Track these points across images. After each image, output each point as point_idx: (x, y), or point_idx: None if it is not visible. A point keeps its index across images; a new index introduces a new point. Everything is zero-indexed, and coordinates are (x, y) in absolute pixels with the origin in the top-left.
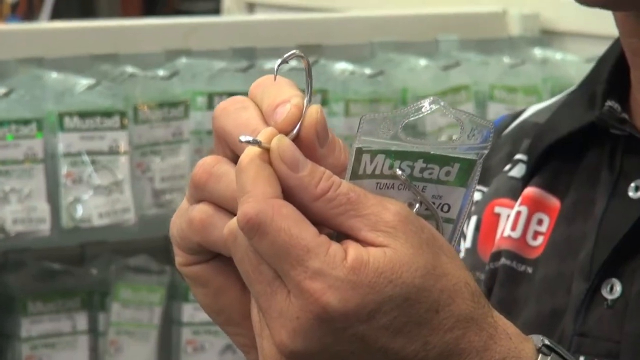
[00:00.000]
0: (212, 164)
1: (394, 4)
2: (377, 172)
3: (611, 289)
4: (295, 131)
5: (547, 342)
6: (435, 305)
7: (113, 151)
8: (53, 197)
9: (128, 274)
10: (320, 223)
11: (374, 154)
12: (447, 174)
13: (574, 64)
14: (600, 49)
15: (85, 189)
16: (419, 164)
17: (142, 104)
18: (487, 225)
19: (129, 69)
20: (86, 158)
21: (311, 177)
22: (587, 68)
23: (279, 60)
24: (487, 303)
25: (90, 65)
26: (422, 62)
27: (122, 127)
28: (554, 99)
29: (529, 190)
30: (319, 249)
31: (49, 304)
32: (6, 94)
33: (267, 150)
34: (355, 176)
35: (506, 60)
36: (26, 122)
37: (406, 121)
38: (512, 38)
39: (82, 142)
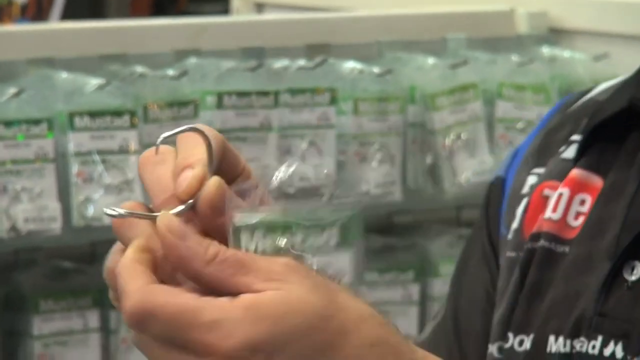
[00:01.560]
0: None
1: (401, 3)
2: (260, 250)
3: (632, 270)
4: (192, 200)
5: None
6: (343, 329)
7: (123, 150)
8: (64, 196)
9: None
10: (216, 288)
11: (250, 231)
12: (330, 238)
13: (583, 62)
14: (608, 47)
15: (96, 188)
16: (299, 235)
17: (151, 104)
18: (534, 207)
19: (139, 69)
20: (97, 157)
21: (199, 244)
22: (596, 66)
23: (167, 133)
24: (399, 333)
25: (100, 65)
26: (430, 60)
27: (132, 126)
28: (623, 77)
29: (574, 172)
30: (205, 304)
31: (61, 302)
32: (16, 94)
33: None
34: None
35: (514, 58)
36: (37, 121)
37: (271, 186)
38: (520, 36)
39: (92, 142)
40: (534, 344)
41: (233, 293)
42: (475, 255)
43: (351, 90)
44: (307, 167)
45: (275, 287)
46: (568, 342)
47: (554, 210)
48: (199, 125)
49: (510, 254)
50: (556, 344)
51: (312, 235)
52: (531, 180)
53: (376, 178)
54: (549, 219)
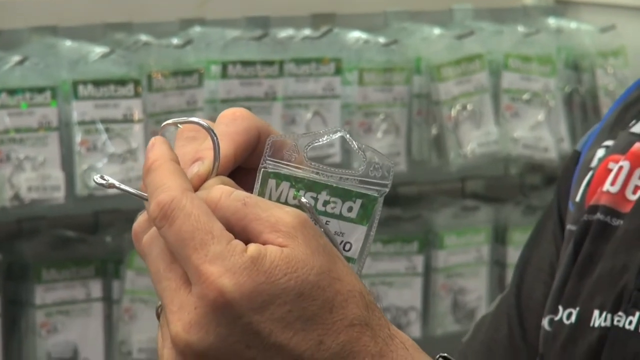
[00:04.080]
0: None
1: None
2: (282, 200)
3: None
4: None
5: (444, 354)
6: (328, 304)
7: (127, 119)
8: (67, 164)
9: None
10: (227, 224)
11: (279, 180)
12: (350, 209)
13: (589, 34)
14: (614, 19)
15: (99, 157)
16: (323, 196)
17: (156, 72)
18: (597, 180)
19: (143, 38)
20: (100, 126)
21: (223, 182)
22: (602, 37)
23: (172, 120)
24: (383, 317)
25: (105, 34)
26: (436, 31)
27: (136, 95)
28: None
29: (637, 146)
30: (222, 237)
31: (64, 271)
32: (20, 62)
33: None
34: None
35: (520, 29)
36: (40, 90)
37: (310, 146)
38: (526, 7)
39: (96, 110)
40: (578, 317)
41: (240, 235)
42: (547, 228)
43: (356, 61)
44: (350, 137)
45: (280, 241)
46: (609, 316)
47: (613, 183)
48: (207, 122)
49: (571, 227)
50: (600, 319)
51: (334, 201)
52: (600, 153)
53: (381, 149)
54: (607, 192)
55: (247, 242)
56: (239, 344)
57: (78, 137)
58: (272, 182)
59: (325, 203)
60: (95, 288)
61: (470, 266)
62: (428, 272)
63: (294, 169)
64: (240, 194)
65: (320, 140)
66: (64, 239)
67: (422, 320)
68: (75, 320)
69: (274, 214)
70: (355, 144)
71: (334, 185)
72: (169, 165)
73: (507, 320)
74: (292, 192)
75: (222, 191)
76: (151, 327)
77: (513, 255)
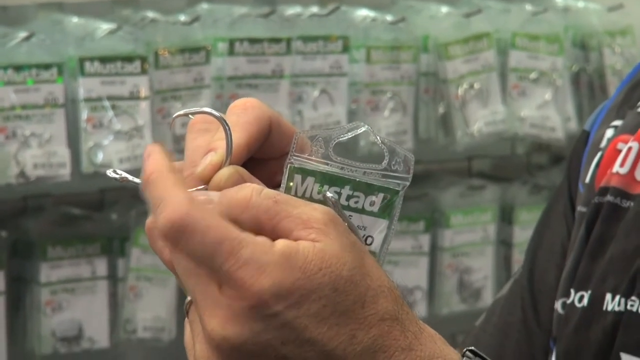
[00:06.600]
0: None
1: None
2: (307, 195)
3: None
4: (204, 186)
5: (471, 348)
6: (361, 299)
7: (134, 96)
8: (73, 142)
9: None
10: (257, 224)
11: (305, 175)
12: (372, 204)
13: (597, 12)
14: None
15: (105, 134)
16: (346, 190)
17: (163, 49)
18: (606, 161)
19: (150, 14)
20: (107, 103)
21: (238, 189)
22: (610, 16)
23: (182, 111)
24: (411, 311)
25: (111, 10)
26: (444, 9)
27: (143, 72)
28: None
29: None
30: (248, 238)
31: (69, 249)
32: (27, 38)
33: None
34: (288, 194)
35: (528, 7)
36: (47, 66)
37: (336, 141)
38: None
39: (102, 87)
40: (590, 300)
41: (271, 233)
42: (557, 210)
43: (364, 39)
44: (373, 131)
45: (313, 237)
46: (623, 300)
47: (623, 164)
48: (213, 111)
49: (582, 208)
50: (612, 302)
51: (357, 195)
52: (608, 133)
53: (388, 127)
54: (617, 173)
55: (277, 239)
56: (275, 340)
57: (84, 114)
58: (297, 178)
59: (349, 197)
60: (101, 266)
61: (476, 245)
62: (434, 251)
63: (318, 164)
64: (270, 192)
65: (346, 135)
66: (69, 216)
67: (427, 299)
68: (80, 298)
69: (305, 211)
70: (378, 138)
71: (357, 179)
72: (167, 177)
73: (521, 303)
74: (317, 187)
75: (253, 189)
76: (156, 305)
77: (519, 234)
